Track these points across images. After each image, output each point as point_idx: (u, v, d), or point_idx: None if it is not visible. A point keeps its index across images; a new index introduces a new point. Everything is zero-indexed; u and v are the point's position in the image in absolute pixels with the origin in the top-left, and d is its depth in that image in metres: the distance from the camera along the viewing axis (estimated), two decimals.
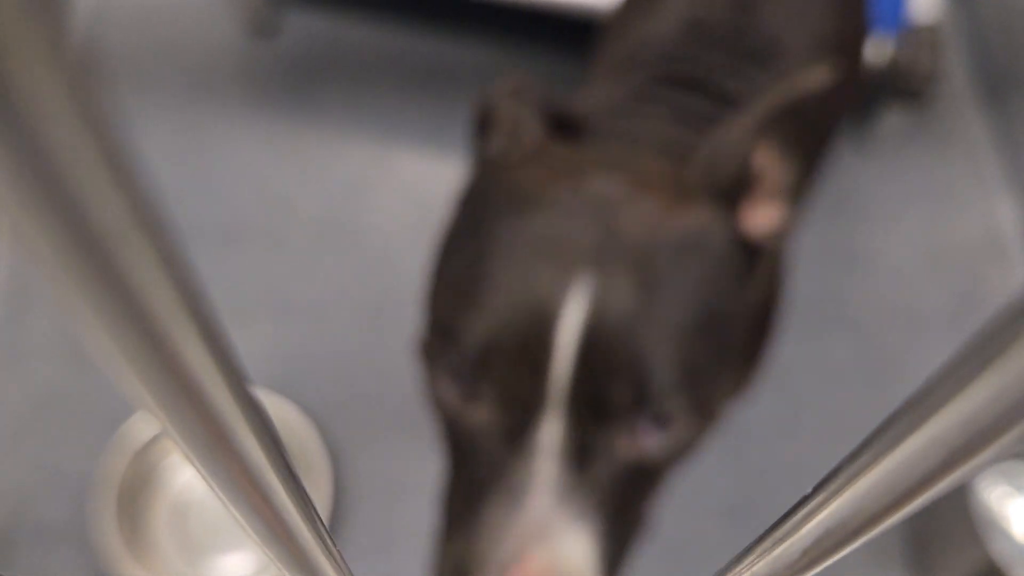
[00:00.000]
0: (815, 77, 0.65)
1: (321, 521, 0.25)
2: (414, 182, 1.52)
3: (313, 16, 1.71)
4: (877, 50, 1.38)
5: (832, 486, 0.26)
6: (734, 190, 0.63)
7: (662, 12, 0.85)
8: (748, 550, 0.32)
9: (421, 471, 1.28)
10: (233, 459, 0.19)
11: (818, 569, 0.29)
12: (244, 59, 1.65)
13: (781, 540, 0.29)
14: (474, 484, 0.59)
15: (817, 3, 0.86)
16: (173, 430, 0.17)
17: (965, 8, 1.77)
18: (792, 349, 1.41)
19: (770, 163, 0.66)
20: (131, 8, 1.69)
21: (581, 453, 0.57)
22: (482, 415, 0.58)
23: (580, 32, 1.69)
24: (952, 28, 1.79)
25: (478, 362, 0.56)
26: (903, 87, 1.42)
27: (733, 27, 0.81)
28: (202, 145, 1.54)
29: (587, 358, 0.55)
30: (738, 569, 0.32)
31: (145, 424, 1.19)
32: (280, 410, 1.22)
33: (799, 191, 0.87)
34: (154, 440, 1.20)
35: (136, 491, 1.18)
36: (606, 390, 0.55)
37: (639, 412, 0.57)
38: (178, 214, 1.37)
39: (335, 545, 0.27)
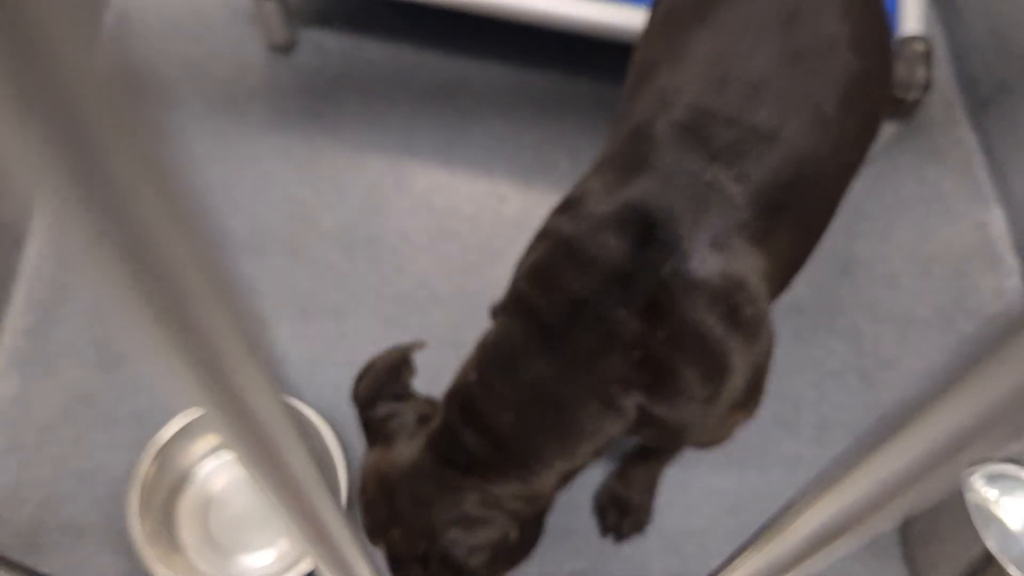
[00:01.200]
0: None
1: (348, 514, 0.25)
2: (428, 192, 1.53)
3: (330, 34, 1.72)
4: None
5: (826, 483, 0.27)
6: None
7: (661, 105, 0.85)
8: (747, 544, 0.32)
9: None
10: (278, 464, 0.19)
11: (816, 562, 0.29)
12: (264, 75, 1.66)
13: (778, 534, 0.29)
14: None
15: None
16: (230, 441, 0.18)
17: (954, 19, 1.77)
18: (790, 352, 1.41)
19: None
20: (155, 26, 1.70)
21: None
22: None
23: (588, 46, 1.69)
24: (942, 38, 1.79)
25: None
26: (897, 98, 1.42)
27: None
28: (223, 157, 1.55)
29: None
30: (737, 561, 0.32)
31: (173, 428, 1.20)
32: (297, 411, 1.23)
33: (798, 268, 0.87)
34: (180, 443, 1.20)
35: (162, 492, 1.19)
36: None
37: None
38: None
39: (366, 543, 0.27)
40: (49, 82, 0.13)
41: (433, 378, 1.36)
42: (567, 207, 0.83)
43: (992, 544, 1.05)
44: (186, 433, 1.21)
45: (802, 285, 1.47)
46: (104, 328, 1.37)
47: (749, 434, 1.33)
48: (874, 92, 0.85)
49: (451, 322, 1.41)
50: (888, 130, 1.52)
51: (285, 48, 1.69)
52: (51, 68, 0.12)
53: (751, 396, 0.86)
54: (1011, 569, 1.03)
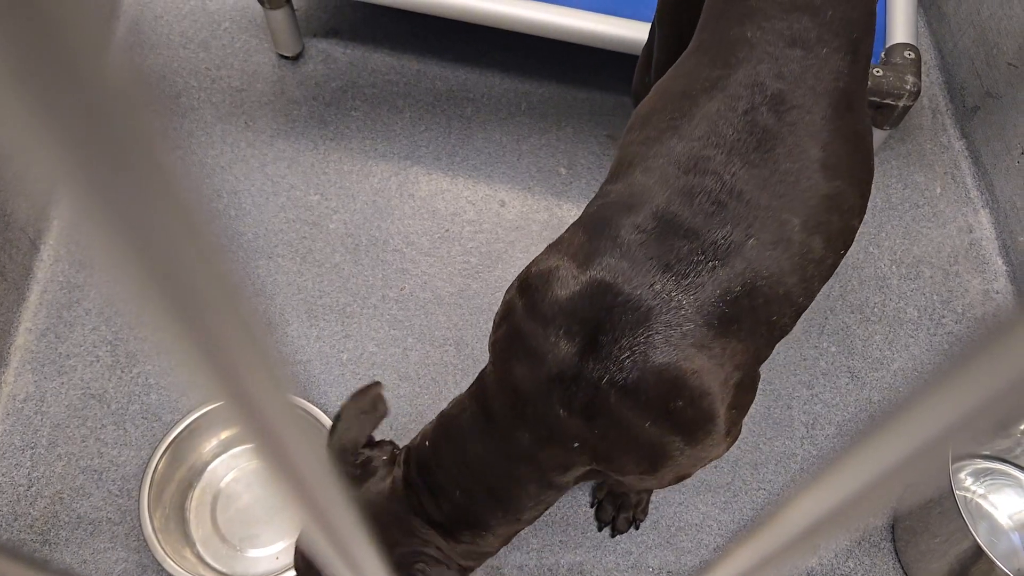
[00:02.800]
0: None
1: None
2: (431, 197, 1.53)
3: (337, 44, 1.72)
4: None
5: (814, 476, 0.27)
6: None
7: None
8: (740, 536, 0.32)
9: None
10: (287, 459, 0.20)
11: (807, 553, 0.30)
12: (272, 84, 1.66)
13: (769, 526, 0.29)
14: None
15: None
16: (243, 433, 0.18)
17: (942, 27, 1.77)
18: (782, 352, 1.41)
19: None
20: (165, 36, 1.71)
21: None
22: None
23: (585, 57, 1.70)
24: (930, 46, 1.79)
25: None
26: (888, 105, 1.42)
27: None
28: (232, 163, 1.55)
29: None
30: (730, 554, 0.32)
31: (183, 425, 1.20)
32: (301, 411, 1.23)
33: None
34: (189, 440, 1.21)
35: (172, 487, 1.19)
36: None
37: None
38: None
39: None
40: (64, 90, 0.13)
41: (435, 377, 1.37)
42: (525, 289, 0.84)
43: (981, 538, 1.05)
44: (195, 430, 1.21)
45: None
46: (116, 328, 1.37)
47: (743, 432, 1.33)
48: (844, 213, 0.85)
49: (453, 323, 1.41)
50: (878, 136, 1.52)
51: (293, 57, 1.69)
52: (65, 76, 0.13)
53: (696, 467, 0.89)
54: (999, 563, 1.03)
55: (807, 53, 0.84)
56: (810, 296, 0.85)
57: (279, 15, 1.58)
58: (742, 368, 0.80)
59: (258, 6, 1.60)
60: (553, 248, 0.85)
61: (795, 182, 0.80)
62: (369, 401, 0.92)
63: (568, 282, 0.79)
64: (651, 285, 0.76)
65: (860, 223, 0.89)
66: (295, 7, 1.61)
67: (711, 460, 0.87)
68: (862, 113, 0.89)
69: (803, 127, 0.81)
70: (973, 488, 1.26)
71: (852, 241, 0.89)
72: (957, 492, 1.09)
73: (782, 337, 0.87)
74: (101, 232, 0.14)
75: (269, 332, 0.18)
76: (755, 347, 0.81)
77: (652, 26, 1.20)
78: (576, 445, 0.80)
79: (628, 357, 0.75)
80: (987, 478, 1.27)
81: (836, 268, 0.88)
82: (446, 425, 0.90)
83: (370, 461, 0.92)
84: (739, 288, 0.77)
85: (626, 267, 0.77)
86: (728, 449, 0.90)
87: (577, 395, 0.77)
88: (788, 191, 0.80)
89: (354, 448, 0.92)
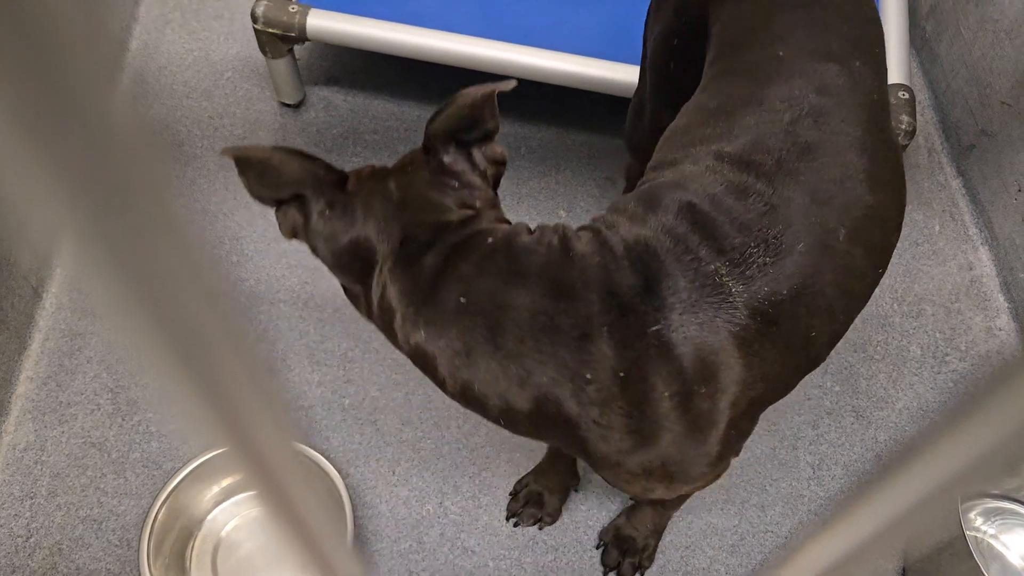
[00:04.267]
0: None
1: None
2: None
3: (338, 91, 1.75)
4: None
5: (823, 522, 0.26)
6: None
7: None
8: None
9: (439, 515, 1.27)
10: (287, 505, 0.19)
11: None
12: (274, 131, 1.68)
13: (778, 571, 0.29)
14: None
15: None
16: (246, 479, 0.18)
17: (935, 68, 1.79)
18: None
19: None
20: (169, 86, 1.73)
21: None
22: None
23: (581, 102, 1.72)
24: (924, 86, 1.81)
25: None
26: None
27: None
28: (234, 210, 1.56)
29: None
30: None
31: (183, 474, 1.19)
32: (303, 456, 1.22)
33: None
34: (190, 489, 1.19)
35: (172, 536, 1.18)
36: None
37: None
38: None
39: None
40: (69, 139, 0.13)
41: (438, 422, 1.36)
42: (598, 222, 0.81)
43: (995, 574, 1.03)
44: (195, 478, 1.20)
45: None
46: (118, 376, 1.37)
47: (749, 473, 1.32)
48: (886, 226, 0.85)
49: None
50: None
51: (295, 105, 1.71)
52: (71, 125, 0.13)
53: (674, 480, 0.83)
54: None
55: (842, 67, 0.85)
56: (848, 318, 0.84)
57: (281, 64, 1.60)
58: (765, 383, 0.77)
59: (260, 56, 1.62)
60: (616, 205, 0.84)
61: (840, 192, 0.80)
62: (485, 94, 0.84)
63: (632, 231, 0.78)
64: (707, 262, 0.75)
65: (897, 241, 0.88)
66: (296, 56, 1.63)
67: (686, 479, 0.82)
68: (892, 131, 0.90)
69: (845, 138, 0.82)
70: (984, 528, 1.24)
71: (888, 261, 0.88)
72: (968, 532, 1.08)
73: (812, 367, 0.84)
74: (104, 279, 0.14)
75: (272, 378, 0.18)
76: (784, 365, 0.79)
77: (642, 71, 1.21)
78: (592, 362, 0.73)
79: (678, 323, 0.72)
80: (997, 518, 1.25)
81: (872, 291, 0.86)
82: (517, 244, 0.79)
83: (455, 173, 0.82)
84: (786, 291, 0.75)
85: (682, 236, 0.76)
86: (707, 483, 0.86)
87: (624, 327, 0.72)
88: (834, 200, 0.79)
89: (449, 136, 0.82)
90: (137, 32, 1.83)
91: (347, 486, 1.19)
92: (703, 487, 0.89)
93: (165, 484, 1.18)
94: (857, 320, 1.53)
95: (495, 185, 0.85)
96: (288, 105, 1.71)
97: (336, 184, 0.81)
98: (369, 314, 0.83)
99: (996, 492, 1.27)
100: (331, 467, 1.20)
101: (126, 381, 1.36)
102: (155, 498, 1.17)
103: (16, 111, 0.11)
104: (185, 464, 1.19)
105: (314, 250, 0.84)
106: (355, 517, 1.17)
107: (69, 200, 0.13)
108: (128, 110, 0.13)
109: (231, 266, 1.49)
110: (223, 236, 1.53)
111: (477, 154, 0.84)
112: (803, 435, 1.36)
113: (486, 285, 0.75)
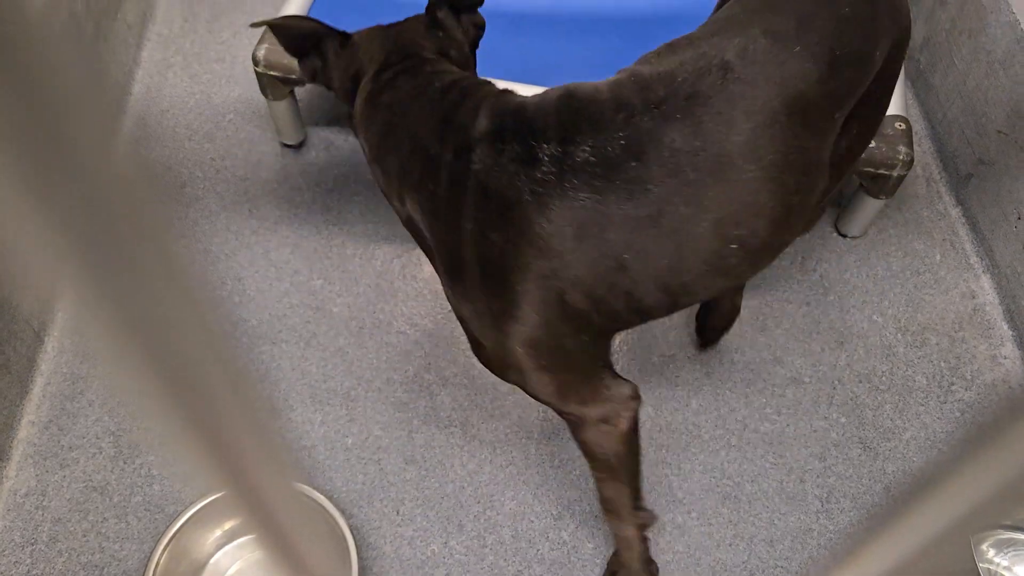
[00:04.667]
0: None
1: None
2: (434, 279, 1.54)
3: (338, 132, 1.76)
4: None
5: (833, 559, 0.26)
6: None
7: None
8: None
9: (444, 555, 1.25)
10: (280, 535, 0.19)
11: None
12: (275, 172, 1.69)
13: None
14: None
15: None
16: (246, 523, 0.18)
17: (931, 98, 1.81)
18: (791, 424, 1.39)
19: None
20: (171, 129, 1.75)
21: None
22: None
23: None
24: (920, 117, 1.83)
25: None
26: (882, 175, 1.44)
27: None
28: (236, 251, 1.57)
29: None
30: None
31: (185, 517, 1.18)
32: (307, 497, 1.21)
33: None
34: (192, 532, 1.18)
35: None
36: None
37: None
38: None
39: None
40: (72, 183, 0.13)
41: (441, 460, 1.35)
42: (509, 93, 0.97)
43: None
44: (198, 521, 1.19)
45: (799, 357, 1.46)
46: (119, 419, 1.36)
47: (756, 507, 1.30)
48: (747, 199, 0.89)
49: (458, 403, 1.40)
50: (875, 205, 1.53)
51: (296, 146, 1.72)
52: (74, 170, 0.13)
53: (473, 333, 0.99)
54: None
55: (775, 44, 0.88)
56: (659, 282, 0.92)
57: (282, 106, 1.62)
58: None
59: (262, 98, 1.64)
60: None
61: (706, 146, 0.85)
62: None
63: (514, 100, 0.95)
64: (544, 138, 0.88)
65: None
66: (297, 97, 1.65)
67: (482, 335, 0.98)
68: (820, 138, 0.91)
69: (740, 102, 0.85)
70: (996, 560, 1.23)
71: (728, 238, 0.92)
72: (980, 565, 1.06)
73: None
74: (106, 322, 0.14)
75: (274, 419, 0.18)
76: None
77: None
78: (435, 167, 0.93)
79: (493, 162, 0.88)
80: (1010, 549, 1.23)
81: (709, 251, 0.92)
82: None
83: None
84: (603, 209, 0.87)
85: (543, 111, 0.91)
86: (501, 368, 1.01)
87: (459, 156, 0.90)
88: (699, 155, 0.85)
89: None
90: (139, 76, 1.85)
91: (351, 527, 1.18)
92: (497, 370, 1.02)
93: (167, 528, 1.17)
94: (860, 350, 1.52)
95: (473, 46, 1.10)
96: (289, 146, 1.72)
97: (343, 35, 1.06)
98: (352, 126, 1.07)
99: (1008, 523, 1.25)
100: (334, 508, 1.18)
101: (128, 424, 1.36)
102: (157, 542, 1.15)
103: (18, 155, 0.11)
104: (187, 507, 1.18)
105: (329, 84, 1.09)
106: (360, 558, 1.16)
107: (71, 243, 0.13)
108: (131, 153, 0.13)
109: (233, 306, 1.49)
110: (225, 277, 1.54)
111: (465, 18, 1.08)
112: (810, 468, 1.35)
113: (399, 96, 0.98)
